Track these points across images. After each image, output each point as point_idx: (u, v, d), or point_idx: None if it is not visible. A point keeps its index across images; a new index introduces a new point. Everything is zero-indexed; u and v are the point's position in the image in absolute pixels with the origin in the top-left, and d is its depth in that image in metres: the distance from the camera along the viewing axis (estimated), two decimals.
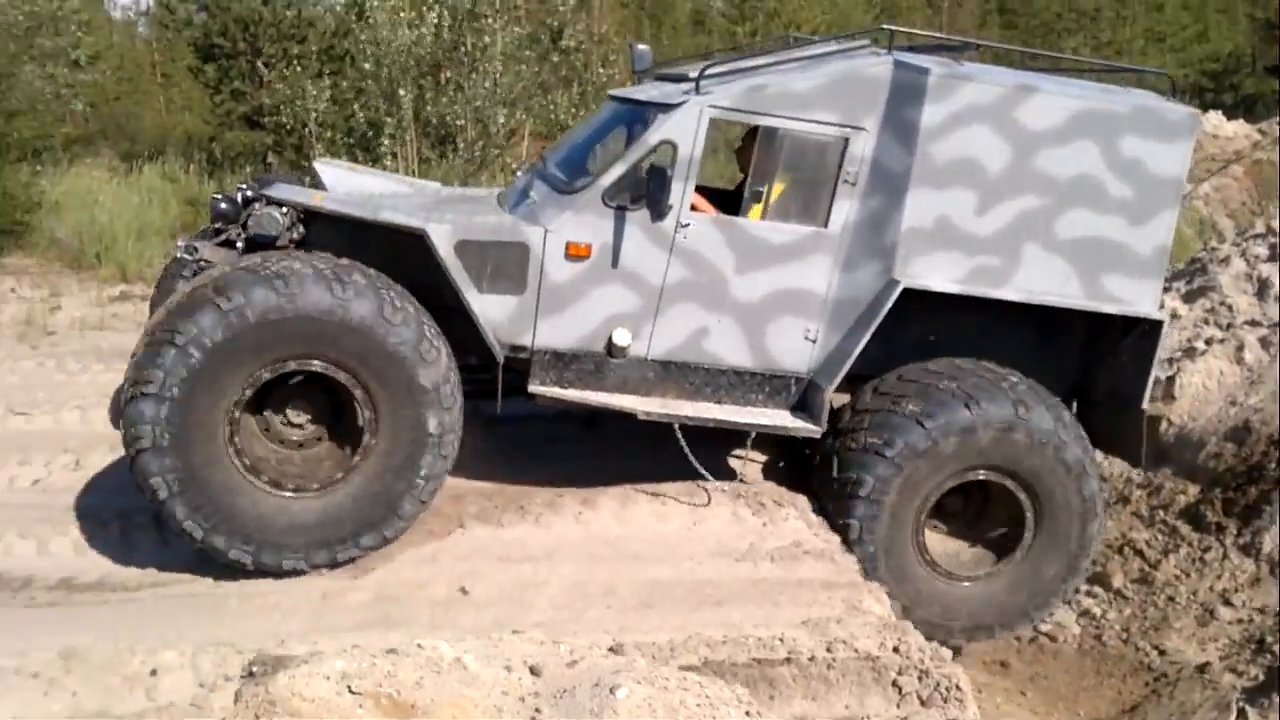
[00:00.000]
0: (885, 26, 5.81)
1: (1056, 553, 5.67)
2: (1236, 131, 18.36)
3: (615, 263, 5.40)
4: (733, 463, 6.22)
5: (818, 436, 5.69)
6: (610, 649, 3.73)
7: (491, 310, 5.34)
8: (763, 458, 6.35)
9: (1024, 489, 5.57)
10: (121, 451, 4.82)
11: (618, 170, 5.34)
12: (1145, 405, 5.77)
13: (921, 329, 5.79)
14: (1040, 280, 5.57)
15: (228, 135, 17.17)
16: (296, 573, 4.94)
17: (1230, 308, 8.82)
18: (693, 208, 5.46)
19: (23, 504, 5.61)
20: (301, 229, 5.31)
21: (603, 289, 5.43)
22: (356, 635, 4.35)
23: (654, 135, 5.33)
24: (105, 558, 5.13)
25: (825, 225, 5.52)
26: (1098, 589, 7.06)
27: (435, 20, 13.59)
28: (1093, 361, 6.05)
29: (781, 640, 4.62)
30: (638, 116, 5.63)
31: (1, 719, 3.99)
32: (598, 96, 13.98)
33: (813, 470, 5.91)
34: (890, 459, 5.41)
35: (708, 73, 5.39)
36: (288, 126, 14.31)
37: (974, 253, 5.51)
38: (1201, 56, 33.97)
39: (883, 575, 5.46)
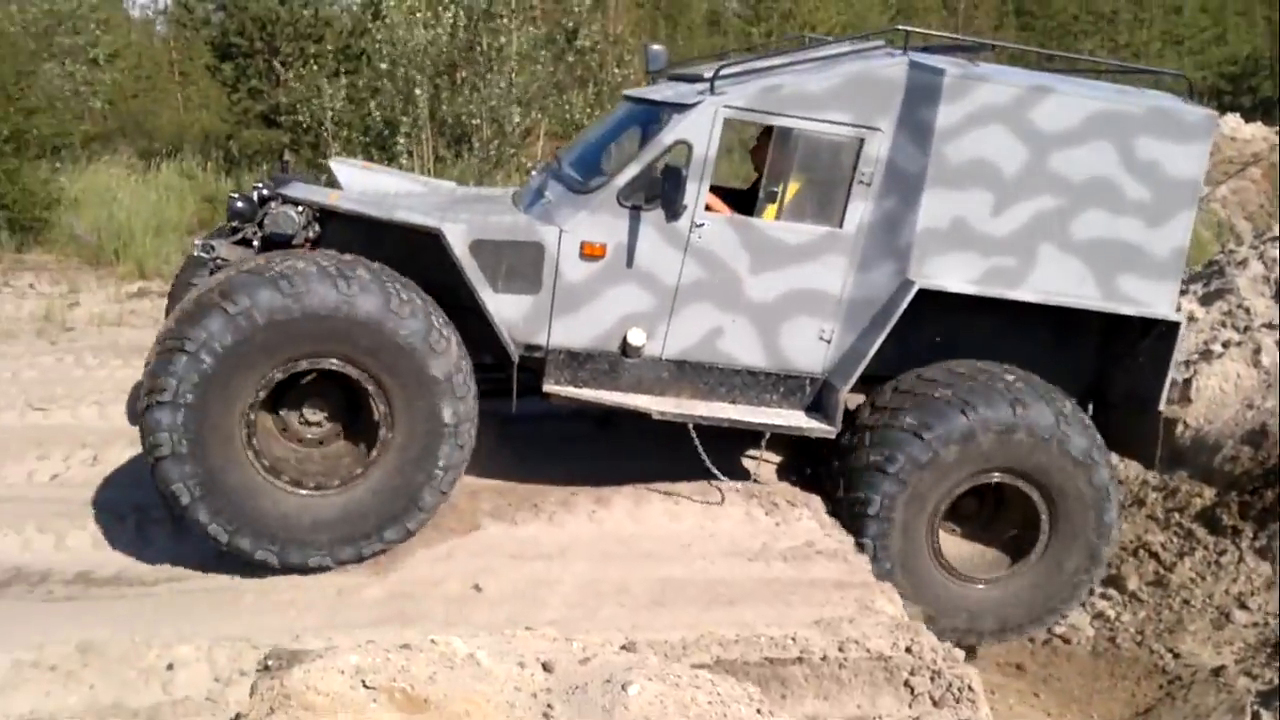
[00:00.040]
0: (900, 27, 5.80)
1: (1076, 544, 5.63)
2: (1254, 134, 18.26)
3: (630, 262, 5.40)
4: (746, 463, 6.23)
5: (832, 437, 5.68)
6: (623, 646, 3.72)
7: (506, 309, 5.35)
8: (777, 458, 6.35)
9: (1035, 487, 5.54)
10: (139, 446, 4.85)
11: (633, 170, 5.34)
12: (1162, 408, 5.74)
13: (937, 330, 5.77)
14: (1056, 281, 5.54)
15: (245, 133, 17.26)
16: (322, 570, 4.96)
17: (1247, 310, 8.78)
18: (707, 208, 5.46)
19: (41, 498, 5.64)
20: (317, 228, 5.34)
21: (617, 289, 5.44)
22: (371, 631, 4.38)
23: (669, 135, 5.33)
24: (122, 552, 5.16)
25: (840, 226, 5.52)
26: (1113, 591, 7.04)
27: (451, 20, 13.66)
28: (1109, 363, 6.02)
29: (794, 639, 4.62)
30: (653, 116, 5.63)
31: (19, 711, 4.03)
32: (613, 96, 13.99)
33: (823, 481, 5.91)
34: (894, 475, 5.40)
35: (723, 73, 5.40)
36: (304, 125, 14.39)
37: (989, 253, 5.49)
38: (1220, 59, 33.80)
39: (903, 587, 5.42)
